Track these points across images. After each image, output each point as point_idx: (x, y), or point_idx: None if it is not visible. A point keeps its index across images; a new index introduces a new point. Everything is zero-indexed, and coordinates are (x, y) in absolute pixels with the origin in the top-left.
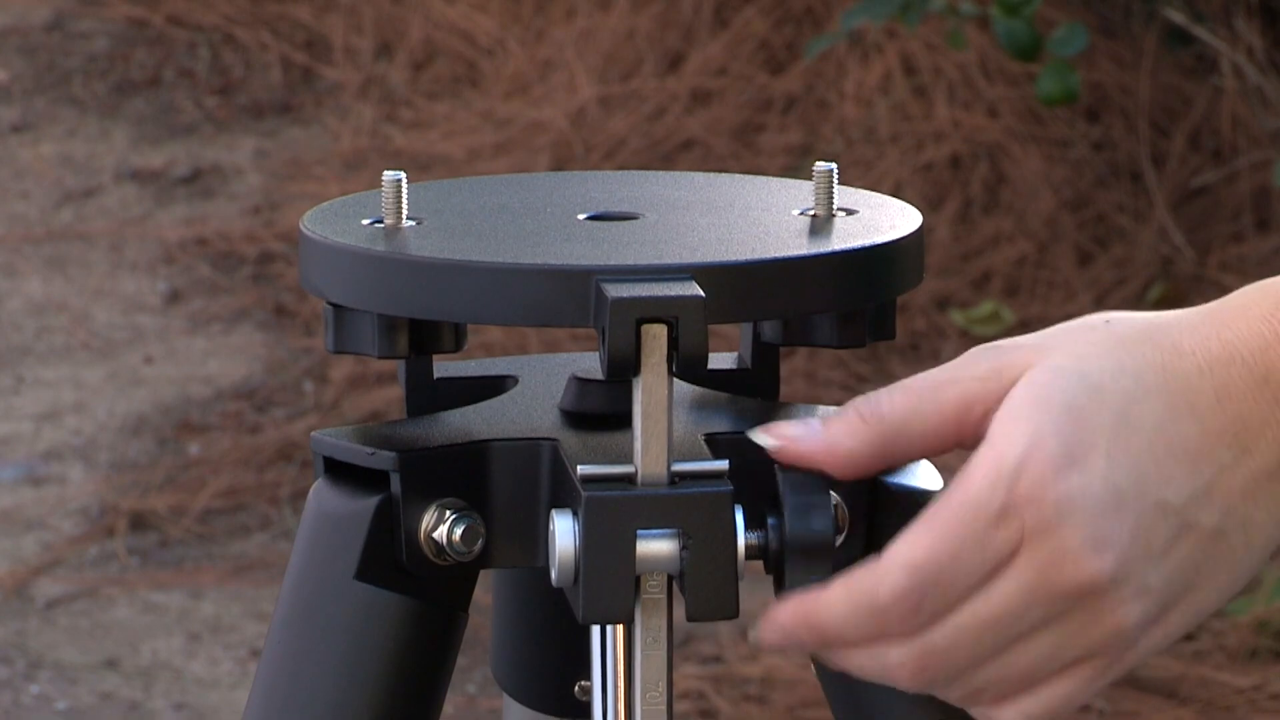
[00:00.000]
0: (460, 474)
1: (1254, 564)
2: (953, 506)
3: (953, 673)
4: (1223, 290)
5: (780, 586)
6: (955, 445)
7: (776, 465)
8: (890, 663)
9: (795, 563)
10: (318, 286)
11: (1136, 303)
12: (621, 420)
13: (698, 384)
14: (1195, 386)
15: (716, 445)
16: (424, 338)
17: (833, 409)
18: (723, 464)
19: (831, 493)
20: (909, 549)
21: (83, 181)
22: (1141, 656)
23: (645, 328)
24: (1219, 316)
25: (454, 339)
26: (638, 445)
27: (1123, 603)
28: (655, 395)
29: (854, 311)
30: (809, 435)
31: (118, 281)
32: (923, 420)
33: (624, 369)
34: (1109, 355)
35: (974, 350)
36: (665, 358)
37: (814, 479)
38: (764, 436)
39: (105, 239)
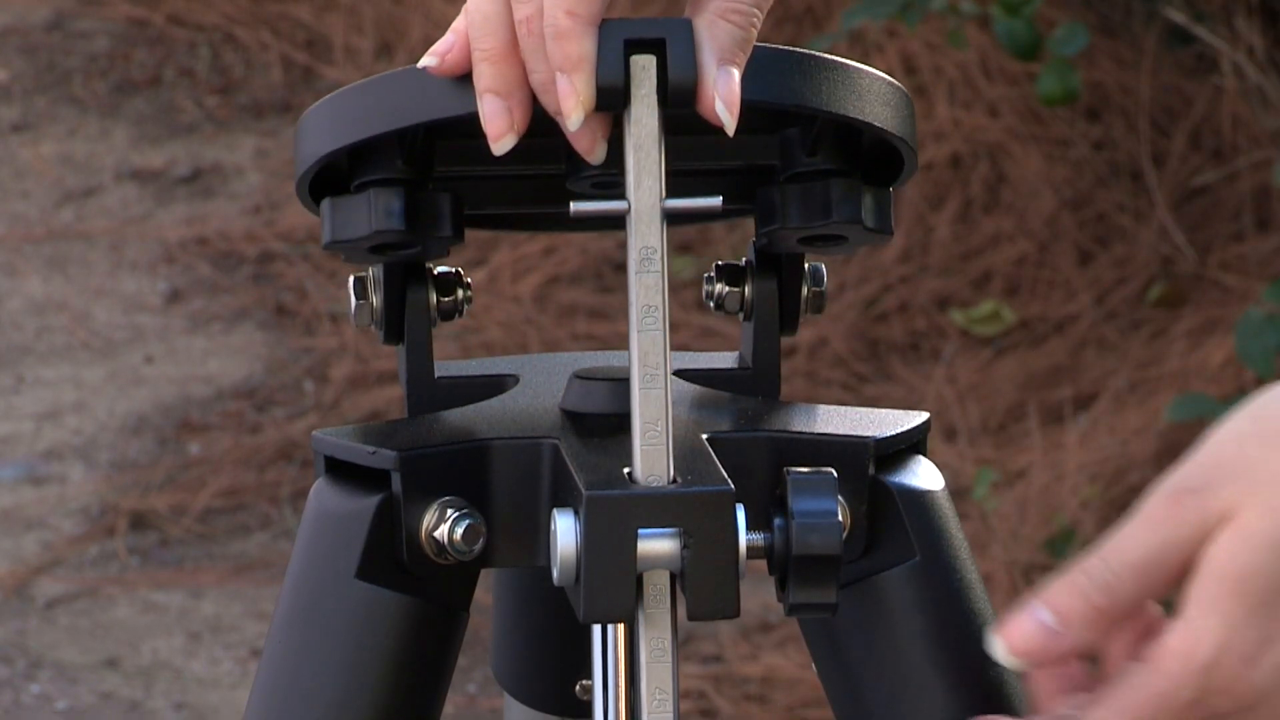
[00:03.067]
0: (461, 473)
1: None
2: (1144, 694)
3: None
4: (1223, 290)
5: (783, 589)
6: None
7: (786, 467)
8: None
9: (802, 572)
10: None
11: (1137, 302)
12: (622, 420)
13: (700, 383)
14: None
15: (719, 445)
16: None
17: (834, 409)
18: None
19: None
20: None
21: (83, 181)
22: None
23: (634, 59)
24: None
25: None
26: (630, 178)
27: None
28: (645, 127)
29: (846, 185)
30: (1044, 639)
31: (118, 281)
32: (1153, 590)
33: (613, 100)
34: None
35: (1168, 497)
36: (654, 88)
37: (822, 485)
38: (1003, 654)
39: (105, 238)
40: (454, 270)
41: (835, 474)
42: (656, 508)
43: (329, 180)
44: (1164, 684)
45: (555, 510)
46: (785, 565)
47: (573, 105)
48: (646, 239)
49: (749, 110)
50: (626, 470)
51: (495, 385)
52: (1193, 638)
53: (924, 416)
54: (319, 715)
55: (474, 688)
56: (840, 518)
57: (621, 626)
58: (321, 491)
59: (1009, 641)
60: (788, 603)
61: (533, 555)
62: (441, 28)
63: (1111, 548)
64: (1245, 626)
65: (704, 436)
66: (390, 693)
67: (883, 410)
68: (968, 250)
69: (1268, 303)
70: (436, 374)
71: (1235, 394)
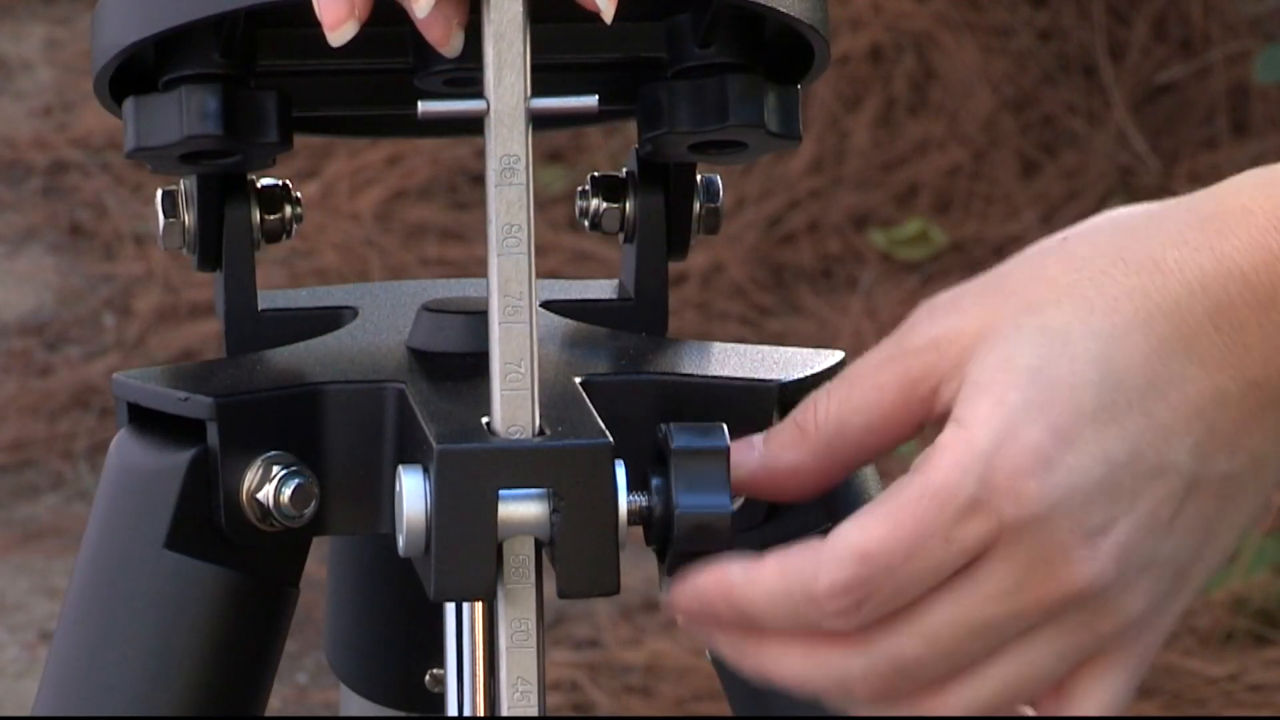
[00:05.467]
0: (290, 424)
1: (1265, 499)
2: (913, 493)
3: (926, 687)
4: None
5: (662, 561)
6: (913, 432)
7: (667, 423)
8: (850, 674)
9: (683, 539)
10: (118, 40)
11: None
12: (480, 361)
13: (572, 317)
14: (1186, 312)
15: (594, 390)
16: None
17: (732, 348)
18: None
19: (730, 446)
20: (859, 534)
21: None
22: (1164, 636)
23: None
24: (1213, 222)
25: (277, 127)
26: (489, 73)
27: (1129, 591)
28: (508, 12)
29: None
30: (746, 458)
31: None
32: (861, 412)
33: None
34: (1072, 293)
35: (916, 313)
36: None
37: (709, 434)
38: None
39: None
40: (281, 183)
41: (726, 434)
42: (520, 464)
43: (133, 76)
44: (939, 479)
45: (401, 468)
46: (665, 529)
47: None
48: (508, 145)
49: None
50: (485, 420)
51: (330, 319)
52: (969, 426)
53: (838, 356)
54: (122, 707)
55: (305, 677)
56: (727, 472)
57: (479, 605)
58: (124, 445)
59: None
60: (666, 591)
61: (374, 521)
62: None
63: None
64: (1026, 410)
65: (577, 380)
66: (206, 682)
67: (789, 349)
68: (890, 159)
69: None
70: (260, 306)
71: None
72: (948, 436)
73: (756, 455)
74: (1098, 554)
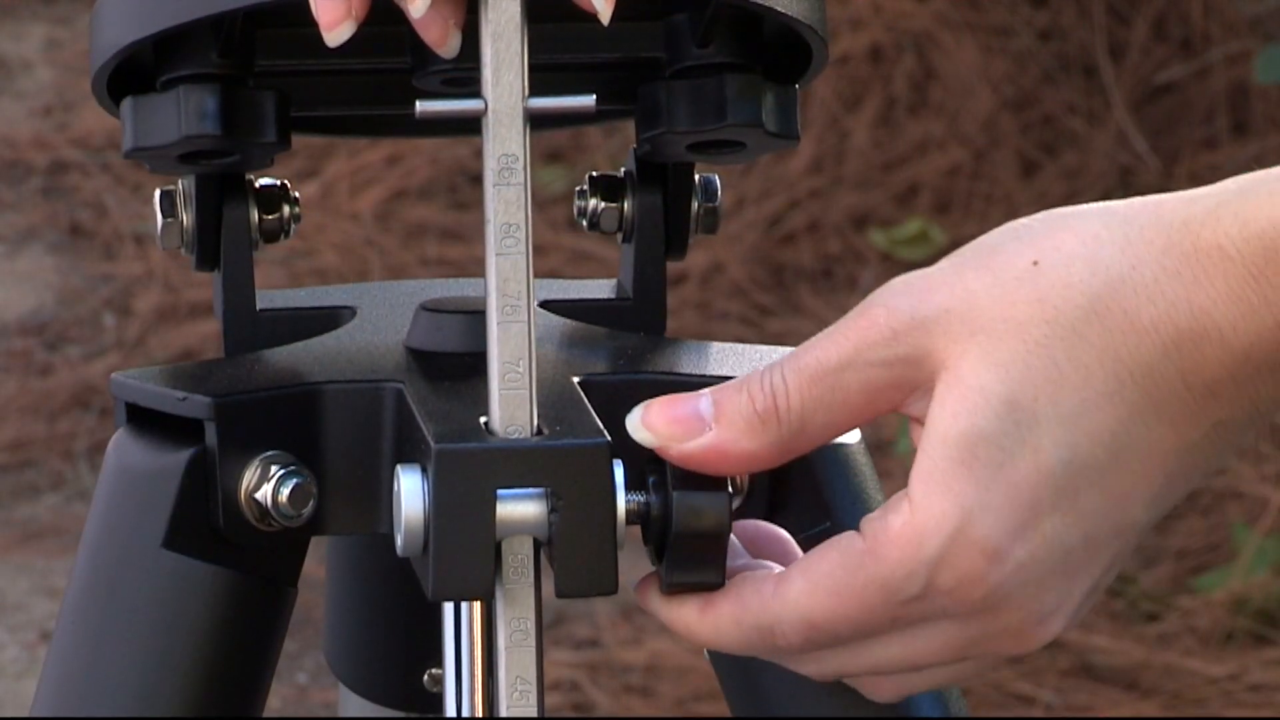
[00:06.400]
0: (288, 423)
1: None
2: (861, 578)
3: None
4: None
5: (660, 560)
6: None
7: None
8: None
9: (682, 549)
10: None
11: None
12: (478, 361)
13: (571, 316)
14: (1159, 376)
15: (593, 390)
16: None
17: (731, 347)
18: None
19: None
20: (809, 601)
21: None
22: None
23: None
24: (1189, 268)
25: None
26: (487, 73)
27: (1051, 623)
28: (506, 12)
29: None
30: (699, 439)
31: None
32: (825, 411)
33: None
34: (1042, 352)
35: (880, 298)
36: None
37: None
38: (642, 431)
39: None
40: (280, 183)
41: None
42: (519, 463)
43: (132, 76)
44: (886, 573)
45: (399, 467)
46: (662, 538)
47: None
48: (507, 145)
49: None
50: (483, 420)
51: (328, 319)
52: (921, 524)
53: None
54: (121, 707)
55: (304, 677)
56: (727, 487)
57: (478, 605)
58: (123, 445)
59: (650, 415)
60: (665, 581)
61: (372, 521)
62: None
63: (798, 353)
64: (982, 518)
65: (575, 379)
66: (205, 682)
67: (788, 349)
68: (890, 159)
69: None
70: (259, 305)
71: None
72: (897, 524)
73: (710, 435)
74: (1046, 627)
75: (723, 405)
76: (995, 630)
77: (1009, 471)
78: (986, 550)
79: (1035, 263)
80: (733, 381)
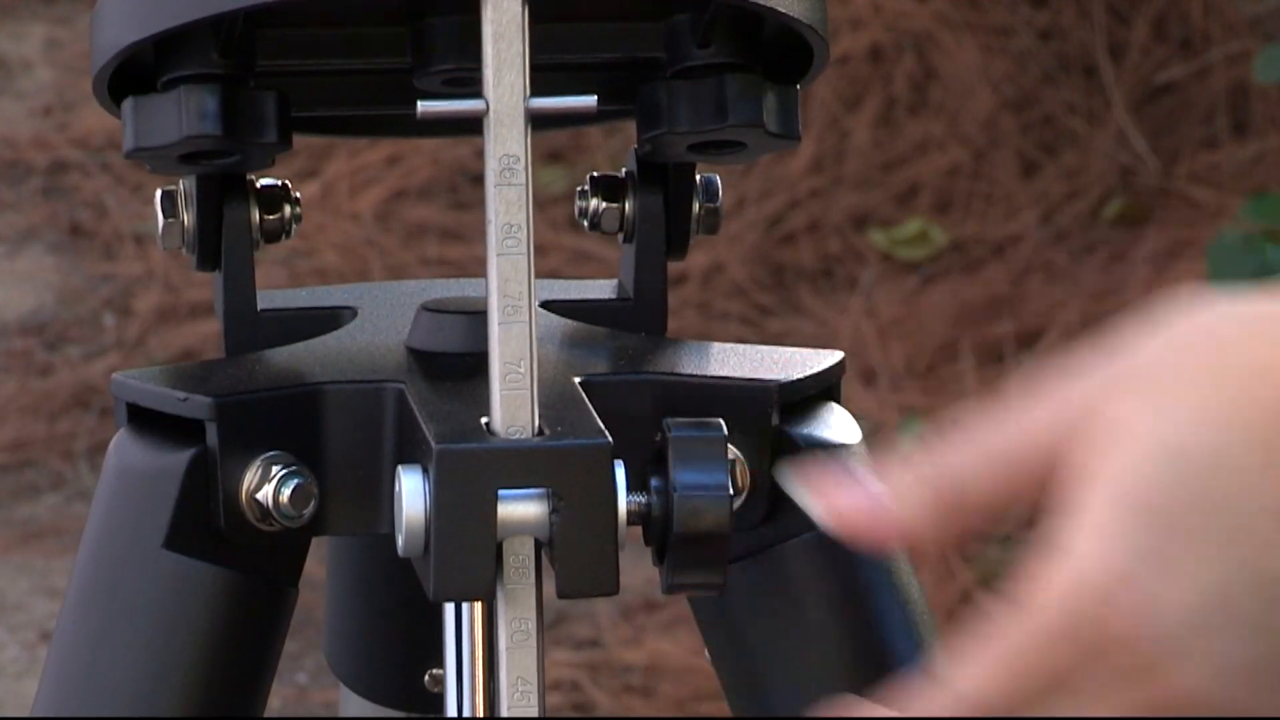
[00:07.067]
0: (289, 424)
1: None
2: (1016, 642)
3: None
4: (1192, 205)
5: (661, 560)
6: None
7: (666, 419)
8: None
9: (683, 550)
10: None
11: (1091, 220)
12: (480, 361)
13: (571, 317)
14: None
15: (594, 390)
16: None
17: (732, 348)
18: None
19: (730, 447)
20: (964, 680)
21: None
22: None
23: None
24: None
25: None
26: (488, 73)
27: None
28: (507, 11)
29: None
30: (874, 513)
31: None
32: (990, 485)
33: None
34: (1211, 412)
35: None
36: None
37: (709, 440)
38: (812, 502)
39: None
40: (280, 183)
41: (725, 427)
42: (520, 464)
43: (132, 76)
44: (1046, 620)
45: (400, 467)
46: (664, 539)
47: None
48: (508, 145)
49: None
50: (484, 420)
51: (329, 319)
52: (1081, 564)
53: (838, 356)
54: (122, 707)
55: (305, 677)
56: (729, 487)
57: (479, 605)
58: (123, 445)
59: (830, 500)
60: (665, 582)
61: (374, 521)
62: None
63: (974, 425)
64: (1148, 557)
65: (576, 380)
66: (205, 682)
67: (789, 349)
68: (890, 159)
69: (1244, 220)
70: (260, 306)
71: None
72: (1059, 569)
73: (889, 515)
74: (1223, 689)
75: (898, 482)
76: (1168, 693)
77: (1170, 513)
78: (1150, 593)
79: (1210, 334)
80: None
